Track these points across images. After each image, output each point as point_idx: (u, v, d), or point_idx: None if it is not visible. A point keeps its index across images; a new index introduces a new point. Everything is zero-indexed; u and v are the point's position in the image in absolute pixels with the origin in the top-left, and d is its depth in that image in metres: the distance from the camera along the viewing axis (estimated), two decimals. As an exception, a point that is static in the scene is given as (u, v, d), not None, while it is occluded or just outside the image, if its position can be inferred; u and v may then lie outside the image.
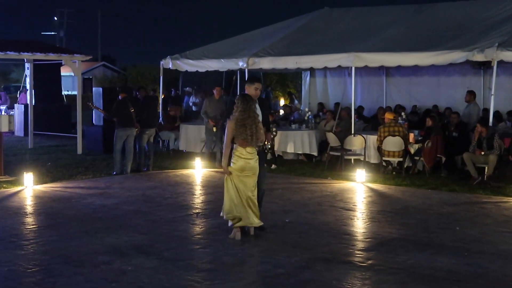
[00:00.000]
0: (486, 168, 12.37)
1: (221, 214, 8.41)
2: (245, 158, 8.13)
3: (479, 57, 13.14)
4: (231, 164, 8.18)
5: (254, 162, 8.22)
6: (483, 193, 11.64)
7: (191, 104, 24.01)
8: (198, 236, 8.64)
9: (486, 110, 14.73)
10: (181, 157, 16.20)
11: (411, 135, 14.10)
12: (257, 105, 8.35)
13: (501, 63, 13.30)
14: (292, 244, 8.07)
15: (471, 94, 15.61)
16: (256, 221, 8.23)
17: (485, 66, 16.04)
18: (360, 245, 8.12)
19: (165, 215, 9.79)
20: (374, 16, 17.96)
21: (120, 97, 13.99)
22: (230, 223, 8.34)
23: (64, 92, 30.01)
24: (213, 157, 15.06)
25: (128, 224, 9.16)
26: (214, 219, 9.41)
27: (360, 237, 8.57)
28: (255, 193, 8.27)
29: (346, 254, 7.68)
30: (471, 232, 8.84)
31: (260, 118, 8.32)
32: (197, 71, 18.16)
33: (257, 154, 8.28)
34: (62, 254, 7.53)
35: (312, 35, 17.49)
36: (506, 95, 16.38)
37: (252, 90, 8.53)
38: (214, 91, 15.51)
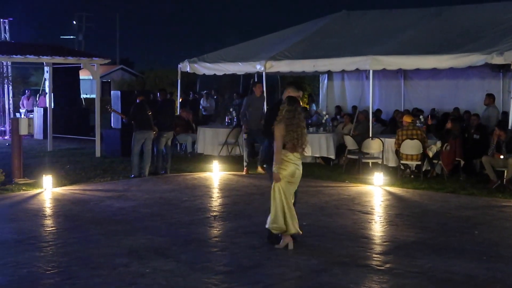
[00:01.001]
0: (506, 171, 12.27)
1: (267, 225, 8.09)
2: (295, 163, 7.92)
3: (498, 60, 13.06)
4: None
5: (301, 167, 8.03)
6: (502, 197, 11.54)
7: (201, 108, 23.90)
8: (215, 239, 8.66)
9: (505, 113, 14.62)
10: (198, 160, 16.23)
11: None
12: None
13: (520, 66, 13.20)
14: (309, 247, 8.06)
15: (490, 97, 15.52)
16: (292, 229, 7.95)
17: (504, 69, 15.96)
18: (378, 248, 8.09)
19: (183, 218, 9.82)
20: (392, 19, 17.89)
21: (137, 100, 14.05)
22: (279, 234, 8.04)
23: (83, 96, 30.20)
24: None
25: (146, 226, 9.21)
26: (231, 222, 9.44)
27: (378, 240, 8.54)
28: (293, 200, 8.10)
29: (364, 257, 7.65)
30: (489, 236, 8.77)
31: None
32: (214, 74, 18.19)
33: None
34: (81, 256, 7.58)
35: (329, 38, 17.48)
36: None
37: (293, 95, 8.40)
38: (254, 89, 14.51)
